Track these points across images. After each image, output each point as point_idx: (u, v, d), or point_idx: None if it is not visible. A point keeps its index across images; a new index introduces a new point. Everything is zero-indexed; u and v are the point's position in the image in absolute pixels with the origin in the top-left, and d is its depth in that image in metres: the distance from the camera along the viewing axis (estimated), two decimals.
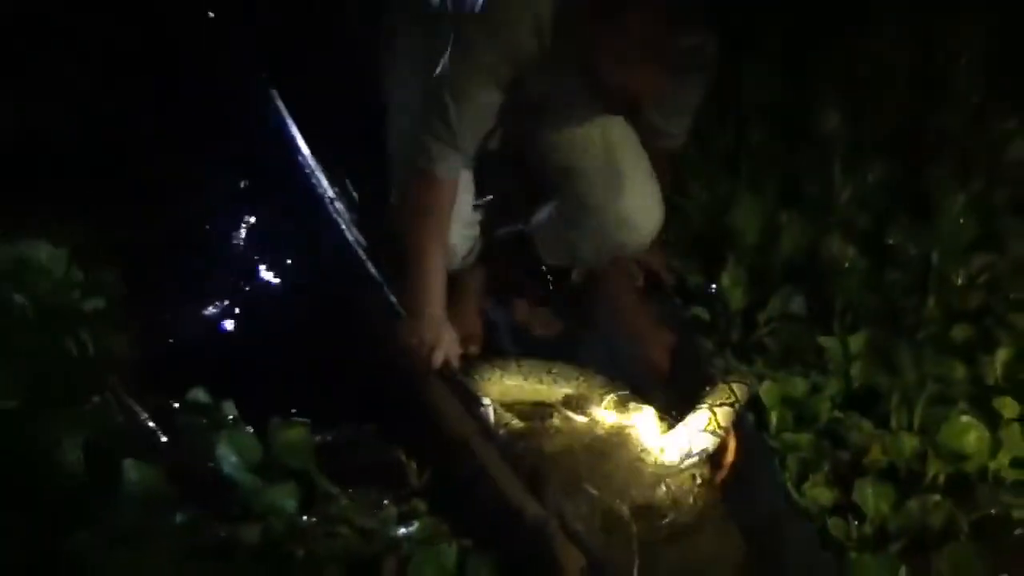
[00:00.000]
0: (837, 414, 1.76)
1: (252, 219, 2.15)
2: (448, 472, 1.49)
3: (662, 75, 1.42)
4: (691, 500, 1.58)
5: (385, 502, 1.36)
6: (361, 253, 1.86)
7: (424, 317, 1.65)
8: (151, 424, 1.39)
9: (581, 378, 1.78)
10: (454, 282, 1.81)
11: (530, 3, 1.48)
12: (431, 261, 1.66)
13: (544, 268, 2.00)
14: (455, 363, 1.68)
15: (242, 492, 1.30)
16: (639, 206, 1.76)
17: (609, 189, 1.74)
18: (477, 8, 1.50)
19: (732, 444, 1.66)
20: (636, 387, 1.80)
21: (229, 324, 1.91)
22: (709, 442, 1.63)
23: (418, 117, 1.61)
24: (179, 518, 1.23)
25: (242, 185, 2.16)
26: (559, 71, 1.55)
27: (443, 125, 1.57)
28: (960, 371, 1.75)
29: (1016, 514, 1.56)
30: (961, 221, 1.87)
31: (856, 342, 1.82)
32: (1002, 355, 1.73)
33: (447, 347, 1.67)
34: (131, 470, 1.25)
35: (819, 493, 1.64)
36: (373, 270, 1.83)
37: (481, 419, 1.61)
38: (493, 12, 1.49)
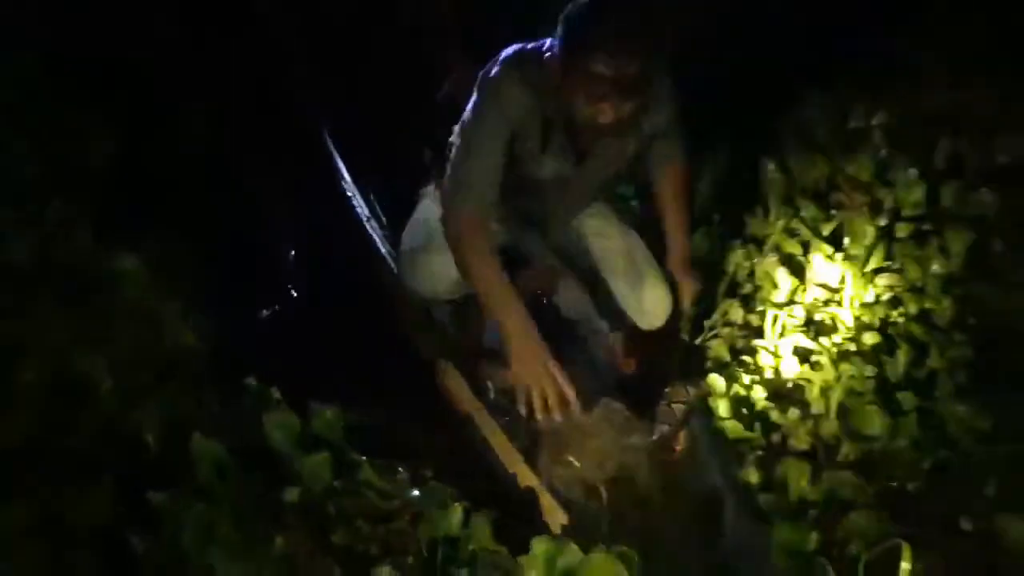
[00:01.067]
0: (770, 404, 1.89)
1: (303, 236, 2.32)
2: (456, 443, 1.66)
3: (620, 99, 1.65)
4: (651, 476, 1.79)
5: (400, 470, 1.50)
6: (390, 262, 2.01)
7: (528, 348, 1.71)
8: (215, 406, 1.54)
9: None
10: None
11: (521, 73, 1.73)
12: (503, 294, 1.74)
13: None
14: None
15: (286, 461, 1.42)
16: (656, 300, 2.09)
17: (633, 287, 2.05)
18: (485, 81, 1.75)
19: (683, 433, 1.85)
20: (610, 385, 2.02)
21: (280, 324, 2.07)
22: (667, 431, 1.85)
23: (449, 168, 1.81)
24: (236, 482, 1.37)
25: (299, 207, 2.34)
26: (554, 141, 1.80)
27: (463, 172, 1.77)
28: (869, 370, 1.87)
29: (910, 486, 1.70)
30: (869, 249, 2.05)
31: (785, 345, 1.99)
32: (901, 358, 1.90)
33: (558, 382, 1.71)
34: (197, 443, 1.39)
35: (750, 474, 1.76)
36: (398, 274, 1.95)
37: (485, 400, 1.78)
38: (495, 85, 1.74)
